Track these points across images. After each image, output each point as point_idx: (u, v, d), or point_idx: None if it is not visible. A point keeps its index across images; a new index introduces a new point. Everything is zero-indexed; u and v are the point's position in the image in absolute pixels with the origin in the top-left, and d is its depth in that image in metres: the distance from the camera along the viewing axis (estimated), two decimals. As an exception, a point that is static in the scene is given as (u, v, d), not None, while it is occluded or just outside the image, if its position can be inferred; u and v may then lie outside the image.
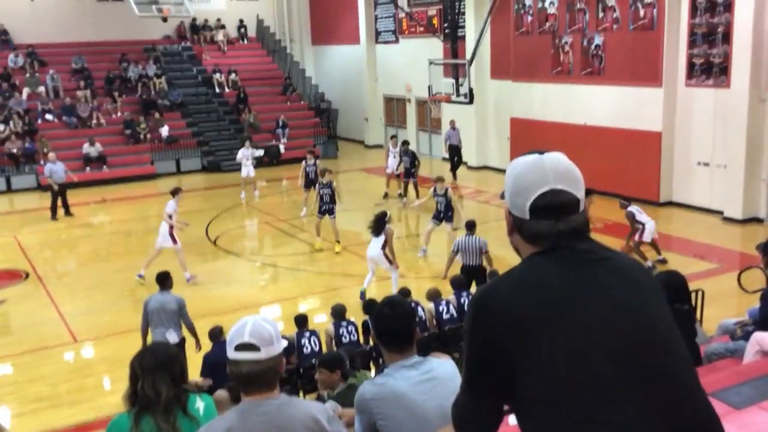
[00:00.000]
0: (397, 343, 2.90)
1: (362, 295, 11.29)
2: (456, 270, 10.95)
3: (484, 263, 10.80)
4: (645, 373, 1.67)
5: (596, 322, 1.70)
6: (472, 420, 1.90)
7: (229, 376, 2.43)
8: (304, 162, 17.44)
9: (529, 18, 19.75)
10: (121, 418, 3.10)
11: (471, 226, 11.01)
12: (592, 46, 17.95)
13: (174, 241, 12.91)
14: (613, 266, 1.79)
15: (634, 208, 12.56)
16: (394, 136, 20.54)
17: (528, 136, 19.65)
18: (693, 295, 7.23)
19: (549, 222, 1.79)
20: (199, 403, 3.13)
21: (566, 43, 18.67)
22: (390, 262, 11.36)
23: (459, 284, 9.46)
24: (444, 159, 21.25)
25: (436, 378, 2.87)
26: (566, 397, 1.66)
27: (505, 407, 1.87)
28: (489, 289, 1.84)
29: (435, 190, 13.90)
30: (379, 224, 11.25)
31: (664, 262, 12.58)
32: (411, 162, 17.87)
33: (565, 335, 1.68)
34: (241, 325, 2.41)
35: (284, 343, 2.47)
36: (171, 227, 12.86)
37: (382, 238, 11.25)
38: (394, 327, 2.90)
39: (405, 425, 2.78)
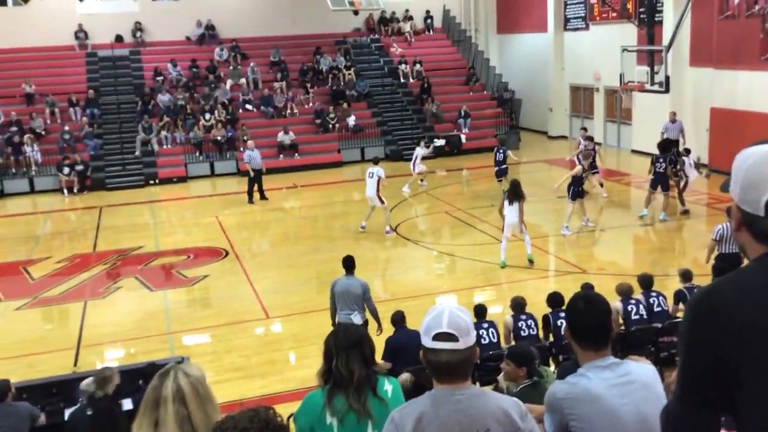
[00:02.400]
0: (592, 341, 2.76)
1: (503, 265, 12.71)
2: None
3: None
4: None
5: None
6: (685, 430, 1.75)
7: (424, 363, 2.44)
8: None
9: (736, 1, 18.17)
10: (315, 394, 3.21)
11: (730, 213, 10.13)
12: (811, 29, 16.20)
13: (381, 201, 15.20)
14: None
15: (688, 160, 15.24)
16: (584, 128, 19.67)
17: (730, 127, 18.15)
18: None
19: None
20: (388, 386, 3.18)
21: (779, 26, 16.98)
22: (524, 226, 12.53)
23: (647, 283, 8.95)
24: (635, 151, 20.18)
25: (634, 382, 2.70)
26: None
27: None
28: (713, 290, 1.68)
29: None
30: (516, 192, 12.35)
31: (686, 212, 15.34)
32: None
33: None
34: (438, 313, 2.40)
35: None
36: (378, 189, 15.14)
37: (516, 205, 12.31)
38: (590, 323, 2.76)
39: (600, 428, 2.63)
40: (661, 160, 15.17)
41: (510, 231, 12.70)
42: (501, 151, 17.73)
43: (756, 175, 1.65)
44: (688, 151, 16.02)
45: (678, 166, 15.41)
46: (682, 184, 15.56)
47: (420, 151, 19.91)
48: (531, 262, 12.80)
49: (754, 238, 1.67)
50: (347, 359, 3.11)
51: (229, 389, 8.70)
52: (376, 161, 16.30)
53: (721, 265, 9.30)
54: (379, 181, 15.14)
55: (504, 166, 17.61)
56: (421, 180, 20.15)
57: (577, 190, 14.67)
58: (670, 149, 15.71)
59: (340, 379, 3.10)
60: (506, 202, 12.46)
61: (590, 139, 17.45)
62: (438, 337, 2.36)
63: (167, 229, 17.51)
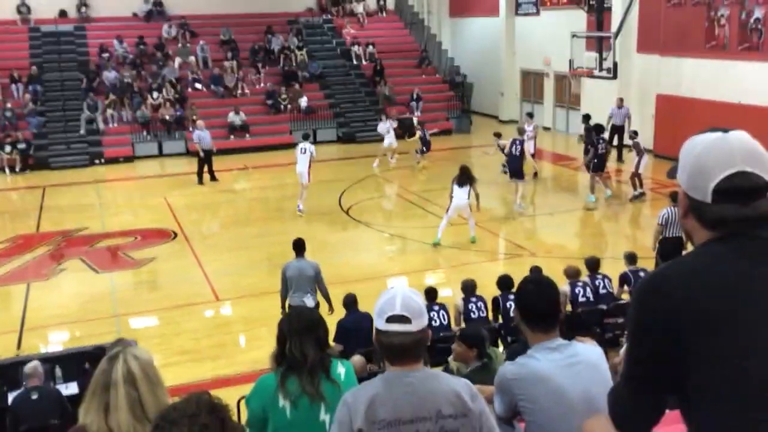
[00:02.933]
0: (541, 323, 2.82)
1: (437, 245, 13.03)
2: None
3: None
4: None
5: None
6: (632, 412, 1.80)
7: (377, 346, 2.45)
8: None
9: (683, -12, 18.56)
10: (267, 377, 3.20)
11: (677, 198, 10.37)
12: (752, 20, 16.66)
13: (308, 178, 15.49)
14: None
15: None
16: (530, 114, 19.73)
17: (675, 114, 18.60)
18: None
19: (733, 206, 1.64)
20: (341, 369, 3.20)
21: (722, 15, 17.42)
22: (470, 210, 12.90)
23: (594, 266, 9.16)
24: (579, 136, 20.49)
25: (581, 363, 2.77)
26: (750, 394, 1.54)
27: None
28: (661, 274, 1.72)
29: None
30: (465, 176, 12.70)
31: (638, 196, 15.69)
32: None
33: (748, 330, 1.56)
34: (391, 296, 2.42)
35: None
36: (309, 165, 15.38)
37: (467, 189, 12.62)
38: (540, 306, 2.82)
39: (548, 408, 2.70)
40: (602, 141, 15.71)
41: (456, 212, 12.98)
42: (517, 143, 15.58)
43: (704, 162, 1.69)
44: (636, 134, 16.41)
45: (638, 151, 15.85)
46: (634, 164, 15.81)
47: (384, 125, 20.16)
48: (473, 242, 13.16)
49: (700, 225, 1.71)
50: (301, 343, 3.11)
51: (178, 372, 8.60)
52: (306, 137, 16.51)
53: (666, 248, 9.58)
54: (311, 157, 15.38)
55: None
56: (391, 156, 20.26)
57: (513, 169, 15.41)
58: (602, 131, 16.39)
59: (293, 362, 3.10)
60: (456, 185, 12.72)
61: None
62: (391, 319, 2.38)
63: (113, 209, 17.13)
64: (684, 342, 1.61)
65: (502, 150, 16.40)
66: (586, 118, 17.83)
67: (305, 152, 15.47)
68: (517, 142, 15.47)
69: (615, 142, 19.11)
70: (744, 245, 1.63)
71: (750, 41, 16.78)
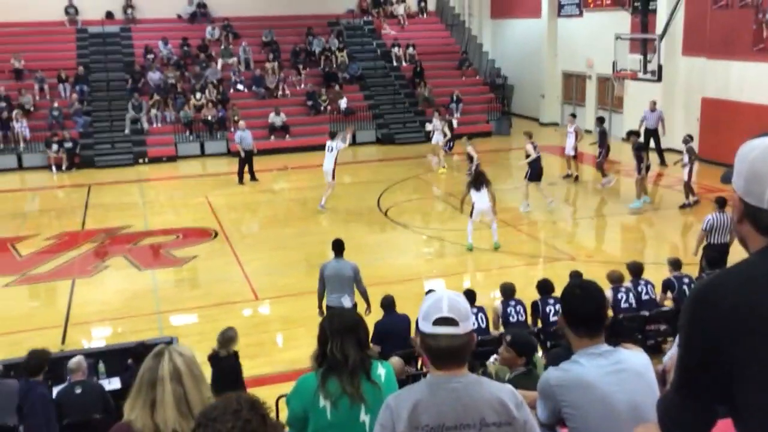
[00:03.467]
0: (587, 328, 2.77)
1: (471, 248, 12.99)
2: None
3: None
4: None
5: None
6: (682, 421, 1.76)
7: (422, 350, 2.44)
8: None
9: (731, -10, 18.17)
10: (308, 377, 3.21)
11: (722, 203, 10.19)
12: (803, 21, 16.22)
13: (333, 177, 15.84)
14: None
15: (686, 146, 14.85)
16: (573, 114, 19.63)
17: (721, 118, 18.22)
18: None
19: None
20: (381, 370, 3.19)
21: (772, 17, 17.00)
22: (494, 212, 12.86)
23: (637, 272, 9.01)
24: (623, 140, 20.19)
25: (627, 370, 2.72)
26: None
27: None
28: (713, 282, 1.68)
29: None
30: (481, 179, 12.65)
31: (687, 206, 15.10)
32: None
33: None
34: (438, 299, 2.40)
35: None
36: (335, 163, 15.84)
37: (485, 192, 12.55)
38: (586, 310, 2.77)
39: (592, 416, 2.66)
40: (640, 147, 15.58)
41: (479, 216, 12.92)
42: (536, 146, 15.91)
43: (760, 167, 1.64)
44: (691, 138, 15.50)
45: (690, 157, 15.09)
46: (686, 171, 15.03)
47: (436, 122, 20.58)
48: (497, 248, 12.96)
49: (756, 230, 1.67)
50: (342, 343, 3.11)
51: (217, 370, 8.69)
52: (333, 135, 16.65)
53: (712, 255, 9.37)
54: (338, 151, 15.88)
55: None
56: (435, 158, 20.40)
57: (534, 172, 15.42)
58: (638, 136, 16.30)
59: (334, 362, 3.11)
60: (473, 190, 12.67)
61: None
62: (438, 321, 2.36)
63: (156, 208, 17.42)
64: (733, 350, 1.58)
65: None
66: (601, 121, 18.11)
67: (332, 151, 15.64)
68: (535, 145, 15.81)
69: (651, 145, 18.91)
70: None
71: (800, 43, 16.36)
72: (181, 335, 9.18)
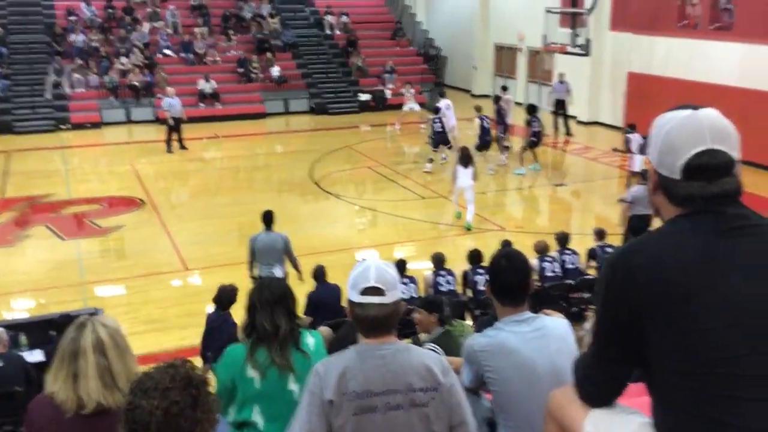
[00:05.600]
0: (511, 297, 2.86)
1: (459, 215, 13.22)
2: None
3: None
4: None
5: (745, 294, 1.60)
6: (598, 383, 1.83)
7: (351, 318, 2.46)
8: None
9: (657, -33, 18.63)
10: (236, 347, 3.19)
11: (646, 176, 10.44)
12: None
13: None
14: (764, 236, 1.67)
15: (634, 137, 14.32)
16: (504, 87, 19.92)
17: (646, 92, 18.75)
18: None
19: (701, 184, 1.67)
20: (310, 339, 3.21)
21: (695, -5, 17.54)
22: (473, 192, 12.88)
23: (563, 241, 9.27)
24: (552, 112, 20.63)
25: (548, 335, 2.82)
26: (699, 370, 1.58)
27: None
28: (629, 249, 1.74)
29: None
30: (468, 157, 12.71)
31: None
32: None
33: (713, 306, 1.59)
34: (365, 268, 2.42)
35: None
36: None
37: (470, 170, 12.60)
38: (511, 280, 2.86)
39: (514, 379, 2.75)
40: (535, 120, 16.16)
41: (460, 192, 12.91)
42: (483, 119, 16.35)
43: (674, 139, 1.70)
44: (633, 127, 14.96)
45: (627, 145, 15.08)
46: (628, 164, 14.87)
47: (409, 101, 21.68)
48: (468, 229, 12.80)
49: (669, 201, 1.73)
50: (272, 314, 3.10)
51: (145, 341, 8.54)
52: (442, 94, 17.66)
53: (636, 225, 9.69)
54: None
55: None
56: (397, 125, 21.32)
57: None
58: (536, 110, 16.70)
59: (264, 333, 3.10)
60: (460, 167, 12.63)
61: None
62: (366, 291, 2.38)
63: (80, 176, 16.86)
64: (648, 316, 1.64)
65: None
66: (497, 98, 18.45)
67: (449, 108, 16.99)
68: (484, 118, 16.22)
69: (560, 113, 20.24)
70: (710, 221, 1.66)
71: (721, 21, 16.93)
72: (107, 307, 8.98)
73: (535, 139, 16.19)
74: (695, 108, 1.73)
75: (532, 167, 16.35)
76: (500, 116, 17.33)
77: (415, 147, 19.44)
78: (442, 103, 17.58)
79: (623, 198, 10.82)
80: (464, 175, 12.59)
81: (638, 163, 14.02)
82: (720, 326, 1.58)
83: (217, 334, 7.16)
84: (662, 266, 1.64)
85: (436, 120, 16.39)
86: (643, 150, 2.08)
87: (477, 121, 16.31)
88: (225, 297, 7.45)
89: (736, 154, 1.70)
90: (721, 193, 1.67)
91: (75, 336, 2.46)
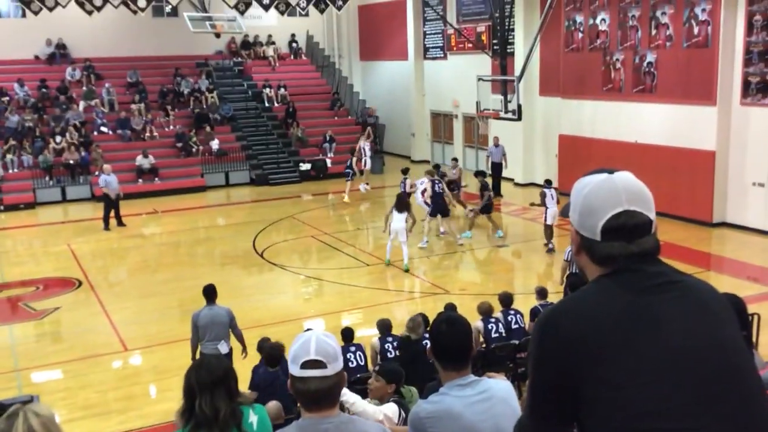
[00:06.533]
0: (453, 361, 2.87)
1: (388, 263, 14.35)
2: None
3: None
4: (714, 402, 1.62)
5: (666, 349, 1.65)
6: None
7: (292, 392, 2.41)
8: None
9: (580, 35, 19.58)
10: None
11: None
12: (645, 64, 17.70)
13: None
14: (683, 290, 1.74)
15: (549, 192, 15.12)
16: (455, 158, 20.50)
17: (577, 153, 19.43)
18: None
19: (621, 244, 1.74)
20: (252, 417, 3.10)
21: (617, 60, 18.45)
22: (406, 234, 14.06)
23: (507, 302, 9.36)
24: (490, 175, 21.12)
25: (492, 398, 2.84)
26: (634, 426, 1.61)
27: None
28: (556, 311, 1.80)
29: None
30: (402, 203, 14.06)
31: (552, 251, 14.94)
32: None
33: (636, 362, 1.64)
34: (305, 341, 2.38)
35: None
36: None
37: (405, 215, 13.91)
38: (452, 344, 2.88)
39: (460, 445, 2.75)
40: (488, 187, 16.58)
41: (394, 235, 14.03)
42: (437, 183, 15.93)
43: (592, 202, 1.78)
44: (549, 183, 15.70)
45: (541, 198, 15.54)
46: (543, 217, 15.38)
47: (361, 143, 22.58)
48: (406, 270, 13.96)
49: (591, 261, 1.81)
50: (212, 397, 2.96)
51: (83, 428, 8.23)
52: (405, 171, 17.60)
53: (575, 281, 9.85)
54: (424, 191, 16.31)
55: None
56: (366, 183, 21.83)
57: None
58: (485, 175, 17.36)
59: (203, 419, 2.95)
60: (395, 211, 13.92)
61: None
62: (306, 364, 2.34)
63: (13, 258, 16.34)
64: (577, 373, 1.68)
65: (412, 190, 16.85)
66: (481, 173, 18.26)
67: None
68: (437, 182, 15.98)
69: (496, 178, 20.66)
70: (631, 280, 1.72)
71: (644, 84, 17.80)
72: (43, 393, 8.62)
73: (489, 204, 16.30)
74: (611, 171, 1.82)
75: (498, 234, 16.35)
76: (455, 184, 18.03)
77: (353, 212, 19.57)
78: (454, 170, 18.62)
79: (565, 258, 11.06)
80: (398, 219, 13.83)
81: (551, 216, 15.01)
82: (647, 381, 1.63)
83: (271, 390, 7.07)
84: (587, 325, 1.69)
85: (437, 183, 15.89)
86: (565, 211, 2.14)
87: (428, 183, 16.00)
88: (274, 353, 7.38)
89: (652, 214, 1.78)
90: (640, 252, 1.74)
91: (5, 428, 2.35)
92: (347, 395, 4.73)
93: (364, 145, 23.01)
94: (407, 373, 7.79)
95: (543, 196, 15.28)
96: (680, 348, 1.66)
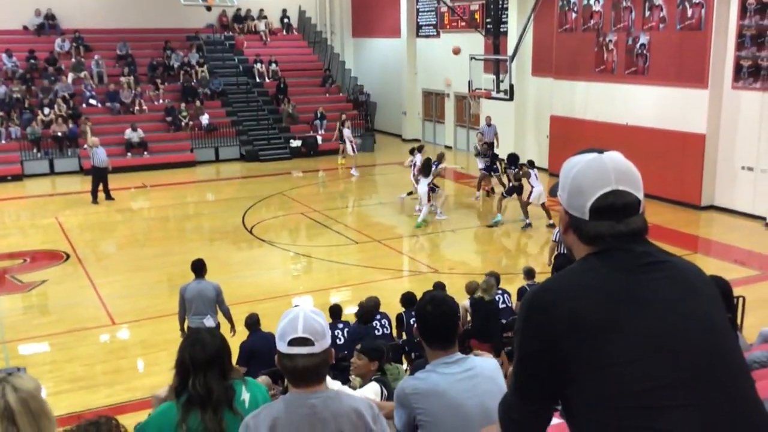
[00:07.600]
0: (440, 341, 2.88)
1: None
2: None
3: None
4: (701, 380, 1.63)
5: (652, 328, 1.66)
6: (520, 421, 1.87)
7: (280, 368, 2.41)
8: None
9: (574, 15, 19.50)
10: (168, 408, 3.03)
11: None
12: (637, 45, 17.66)
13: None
14: (670, 270, 1.75)
15: (532, 171, 15.31)
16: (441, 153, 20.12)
17: (568, 134, 19.42)
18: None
19: (609, 223, 1.75)
20: (245, 395, 3.06)
21: (611, 41, 18.40)
22: (429, 199, 15.50)
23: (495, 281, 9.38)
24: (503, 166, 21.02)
25: (478, 376, 2.86)
26: (622, 403, 1.63)
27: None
28: (544, 288, 1.80)
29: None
30: (427, 167, 15.38)
31: (552, 226, 14.46)
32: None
33: (624, 340, 1.65)
34: (293, 318, 2.39)
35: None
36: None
37: (430, 179, 15.26)
38: (438, 324, 2.89)
39: (445, 421, 2.77)
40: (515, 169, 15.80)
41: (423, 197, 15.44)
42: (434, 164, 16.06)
43: (581, 182, 1.78)
44: (532, 164, 15.87)
45: (519, 177, 15.56)
46: (525, 195, 15.49)
47: (348, 132, 22.32)
48: (418, 227, 15.42)
49: (579, 240, 1.81)
50: (206, 377, 2.94)
51: (70, 400, 8.23)
52: (418, 150, 17.55)
53: (562, 262, 9.90)
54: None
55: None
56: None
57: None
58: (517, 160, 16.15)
59: (197, 397, 2.93)
60: (422, 177, 15.41)
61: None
62: (294, 342, 2.35)
63: (1, 230, 16.24)
64: (564, 352, 1.69)
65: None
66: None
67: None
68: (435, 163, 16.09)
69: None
70: (619, 259, 1.73)
71: (636, 66, 17.78)
72: (30, 365, 8.60)
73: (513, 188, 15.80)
74: (600, 151, 1.82)
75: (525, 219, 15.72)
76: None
77: (343, 190, 19.55)
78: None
79: (554, 239, 11.10)
80: (423, 183, 15.32)
81: (536, 195, 15.14)
82: (636, 359, 1.64)
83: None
84: (575, 303, 1.70)
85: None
86: (554, 190, 2.13)
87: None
88: (369, 309, 8.07)
89: (640, 194, 1.78)
90: (628, 232, 1.75)
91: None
92: (327, 382, 4.75)
93: (345, 131, 22.64)
94: (481, 331, 8.19)
95: (527, 176, 15.28)
96: (668, 326, 1.67)
